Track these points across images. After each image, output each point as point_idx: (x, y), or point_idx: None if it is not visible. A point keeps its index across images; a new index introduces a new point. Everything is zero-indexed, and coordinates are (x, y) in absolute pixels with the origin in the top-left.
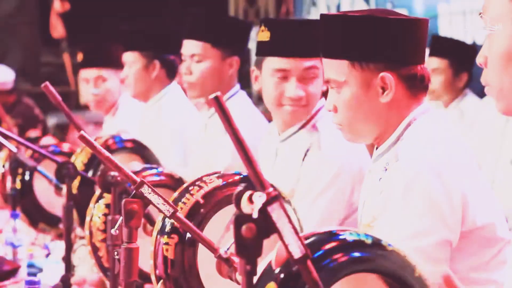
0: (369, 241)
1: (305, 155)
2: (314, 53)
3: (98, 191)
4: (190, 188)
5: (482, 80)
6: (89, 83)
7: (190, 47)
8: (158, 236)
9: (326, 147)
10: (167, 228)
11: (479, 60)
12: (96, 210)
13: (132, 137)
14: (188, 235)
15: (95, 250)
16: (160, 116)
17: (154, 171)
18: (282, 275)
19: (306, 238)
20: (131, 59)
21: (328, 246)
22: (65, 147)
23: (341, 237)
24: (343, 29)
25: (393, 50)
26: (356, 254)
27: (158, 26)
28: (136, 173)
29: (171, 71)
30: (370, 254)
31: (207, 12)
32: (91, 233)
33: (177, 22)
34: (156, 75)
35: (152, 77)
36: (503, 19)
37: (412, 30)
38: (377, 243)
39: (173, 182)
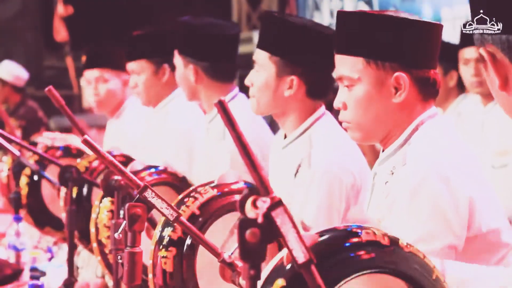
0: (386, 241)
1: (297, 171)
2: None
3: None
4: (185, 200)
5: None
6: (91, 84)
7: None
8: (156, 249)
9: (316, 166)
10: (165, 241)
11: None
12: (103, 207)
13: (121, 152)
14: (186, 246)
15: (101, 247)
16: (167, 120)
17: (156, 169)
18: (292, 272)
19: (322, 234)
20: (138, 68)
21: (345, 243)
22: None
23: (359, 235)
24: (361, 26)
25: (409, 51)
26: (373, 253)
27: (160, 30)
28: (138, 172)
29: None
30: (388, 254)
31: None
32: (97, 230)
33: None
34: (166, 79)
35: (163, 81)
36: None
37: (430, 33)
38: (395, 243)
39: (176, 181)
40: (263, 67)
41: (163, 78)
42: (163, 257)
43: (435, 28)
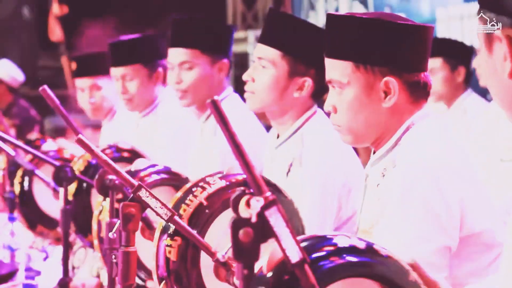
0: (362, 245)
1: (289, 170)
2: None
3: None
4: (193, 190)
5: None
6: (84, 91)
7: (178, 55)
8: (161, 237)
9: (307, 165)
10: (170, 230)
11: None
12: (106, 205)
13: (130, 146)
14: None
15: (102, 244)
16: (156, 122)
17: (159, 168)
18: (274, 280)
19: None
20: (132, 72)
21: (321, 251)
22: (66, 153)
23: (334, 241)
24: (350, 30)
25: (399, 55)
26: (350, 258)
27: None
28: (141, 170)
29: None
30: (364, 259)
31: (191, 18)
32: (99, 226)
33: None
34: (160, 81)
35: (156, 84)
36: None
37: (418, 36)
38: (370, 248)
39: (179, 181)
40: (273, 65)
41: (157, 81)
42: (167, 245)
43: (424, 31)
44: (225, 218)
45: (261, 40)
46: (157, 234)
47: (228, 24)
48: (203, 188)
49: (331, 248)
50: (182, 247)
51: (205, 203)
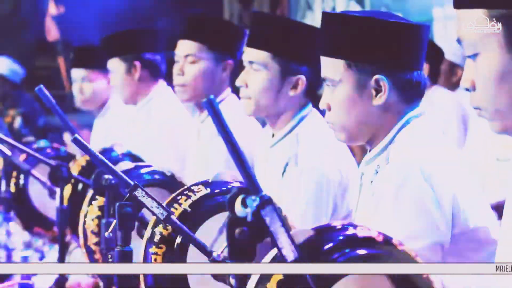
0: (380, 238)
1: (284, 170)
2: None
3: (90, 193)
4: (178, 198)
5: (472, 104)
6: (77, 82)
7: (184, 47)
8: (147, 245)
9: (303, 164)
10: (156, 238)
11: (465, 84)
12: (90, 213)
13: (127, 150)
14: (177, 244)
15: (90, 253)
16: (150, 118)
17: (146, 170)
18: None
19: (318, 231)
20: (113, 65)
21: (336, 241)
22: (62, 150)
23: (351, 231)
24: (342, 28)
25: (390, 54)
26: (364, 251)
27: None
28: (127, 171)
29: (154, 70)
30: (380, 252)
31: (205, 14)
32: (85, 236)
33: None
34: (139, 76)
35: (136, 79)
36: (481, 46)
37: (411, 35)
38: (388, 241)
39: (166, 180)
40: (265, 67)
41: (135, 75)
42: (153, 253)
43: (417, 30)
44: (210, 224)
45: (249, 43)
46: (144, 241)
47: (241, 26)
48: (188, 196)
49: (346, 238)
50: (168, 255)
51: (188, 210)
